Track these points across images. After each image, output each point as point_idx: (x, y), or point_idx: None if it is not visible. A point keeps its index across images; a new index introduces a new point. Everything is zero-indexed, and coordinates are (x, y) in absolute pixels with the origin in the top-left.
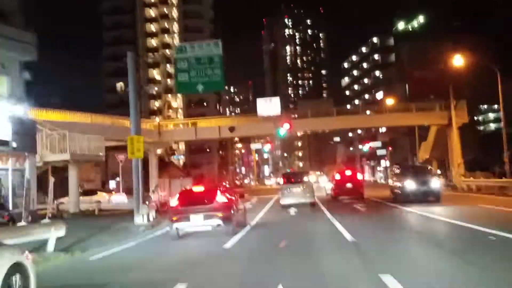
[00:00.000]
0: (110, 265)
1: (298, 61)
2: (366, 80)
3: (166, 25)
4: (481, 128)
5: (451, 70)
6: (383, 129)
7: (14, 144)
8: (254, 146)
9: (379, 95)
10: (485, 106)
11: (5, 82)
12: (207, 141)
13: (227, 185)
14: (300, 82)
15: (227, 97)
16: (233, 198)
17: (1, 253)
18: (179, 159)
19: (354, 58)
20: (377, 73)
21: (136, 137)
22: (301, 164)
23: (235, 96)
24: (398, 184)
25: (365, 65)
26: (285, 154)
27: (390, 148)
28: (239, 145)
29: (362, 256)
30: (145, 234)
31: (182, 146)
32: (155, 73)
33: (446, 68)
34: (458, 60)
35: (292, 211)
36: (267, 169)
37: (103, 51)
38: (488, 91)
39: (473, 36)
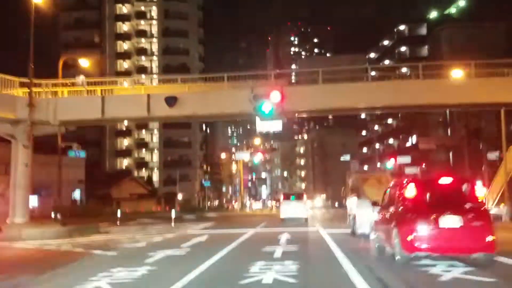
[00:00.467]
0: None
1: None
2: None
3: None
4: None
5: None
6: (413, 140)
7: None
8: (240, 155)
9: None
10: None
11: None
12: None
13: None
14: None
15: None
16: None
17: None
18: (78, 155)
19: (372, 55)
20: (404, 69)
21: None
22: (303, 186)
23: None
24: None
25: (387, 62)
26: (285, 174)
27: (423, 165)
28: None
29: None
30: None
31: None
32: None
33: None
34: None
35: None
36: (264, 190)
37: None
38: None
39: None
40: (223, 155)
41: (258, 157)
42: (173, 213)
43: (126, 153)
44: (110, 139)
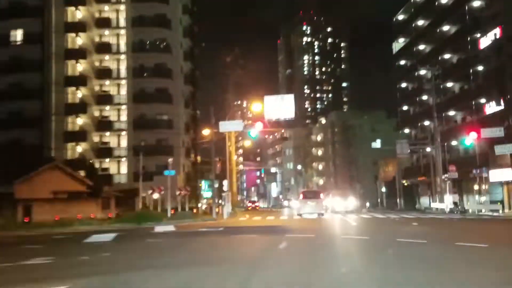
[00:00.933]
0: None
1: (317, 72)
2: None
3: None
4: None
5: None
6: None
7: None
8: (226, 126)
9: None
10: None
11: None
12: None
13: None
14: (318, 95)
15: (239, 112)
16: None
17: None
18: None
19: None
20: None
21: None
22: (321, 182)
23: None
24: None
25: None
26: (299, 167)
27: None
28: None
29: None
30: None
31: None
32: None
33: None
34: None
35: None
36: (274, 188)
37: None
38: None
39: None
40: (206, 131)
41: (257, 129)
42: None
43: (80, 136)
44: (56, 116)
